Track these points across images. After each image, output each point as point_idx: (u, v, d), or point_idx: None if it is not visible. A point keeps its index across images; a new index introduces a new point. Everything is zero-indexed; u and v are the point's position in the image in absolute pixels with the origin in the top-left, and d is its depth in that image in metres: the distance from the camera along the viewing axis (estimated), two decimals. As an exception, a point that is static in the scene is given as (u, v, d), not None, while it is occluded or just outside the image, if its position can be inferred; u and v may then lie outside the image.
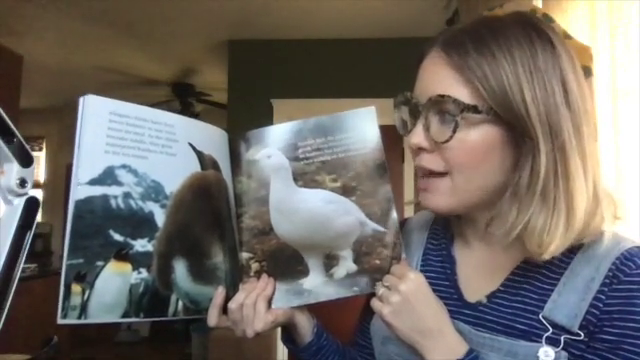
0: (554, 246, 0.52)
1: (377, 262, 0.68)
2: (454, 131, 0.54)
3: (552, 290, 0.55)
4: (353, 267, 0.68)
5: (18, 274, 0.56)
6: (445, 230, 0.69)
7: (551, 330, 0.53)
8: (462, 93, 0.53)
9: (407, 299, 0.59)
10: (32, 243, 0.58)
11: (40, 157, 5.04)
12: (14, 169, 0.57)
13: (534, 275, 0.57)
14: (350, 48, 3.13)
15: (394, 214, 0.69)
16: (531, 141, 0.52)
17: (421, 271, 0.67)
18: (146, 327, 4.67)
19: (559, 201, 0.52)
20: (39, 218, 0.61)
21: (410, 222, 0.77)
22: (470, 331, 0.59)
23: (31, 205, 0.58)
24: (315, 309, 0.73)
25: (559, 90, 0.52)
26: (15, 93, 3.14)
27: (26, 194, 0.58)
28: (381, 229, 0.68)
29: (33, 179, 0.60)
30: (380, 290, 0.62)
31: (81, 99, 0.60)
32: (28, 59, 3.24)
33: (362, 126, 0.70)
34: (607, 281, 0.52)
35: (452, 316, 0.61)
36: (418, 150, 0.59)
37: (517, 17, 0.56)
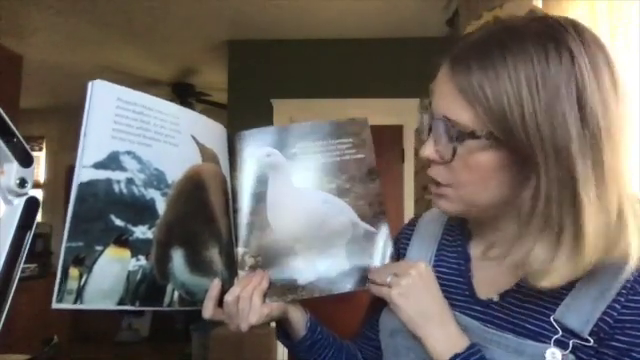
0: (557, 275, 0.50)
1: (368, 260, 0.72)
2: (453, 154, 0.54)
3: (566, 294, 0.55)
4: (345, 265, 0.72)
5: (18, 274, 0.56)
6: (462, 227, 0.70)
7: (561, 333, 0.53)
8: (463, 117, 0.53)
9: (416, 282, 0.61)
10: (32, 243, 0.58)
11: (40, 157, 5.03)
12: (14, 169, 0.57)
13: None
14: (350, 48, 3.12)
15: (384, 216, 0.73)
16: (535, 165, 0.50)
17: (434, 266, 0.69)
18: (146, 327, 4.67)
19: (565, 229, 0.50)
20: (39, 218, 0.60)
21: (425, 217, 0.78)
22: (478, 327, 0.60)
23: (31, 205, 0.58)
24: (314, 304, 0.74)
25: (571, 109, 0.48)
26: (15, 93, 3.14)
27: (26, 194, 0.58)
28: (372, 229, 0.73)
29: (33, 179, 0.60)
30: (389, 278, 0.64)
31: (90, 84, 0.60)
32: (28, 59, 3.24)
33: (356, 134, 0.75)
34: (624, 291, 0.52)
35: (462, 312, 0.62)
36: (428, 160, 0.60)
37: (537, 25, 0.52)
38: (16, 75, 3.17)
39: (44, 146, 5.10)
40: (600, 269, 0.53)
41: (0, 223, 0.57)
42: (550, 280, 0.51)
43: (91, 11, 2.77)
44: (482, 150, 0.53)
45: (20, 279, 0.56)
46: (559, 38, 0.50)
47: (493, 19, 0.57)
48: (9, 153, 0.56)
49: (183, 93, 4.22)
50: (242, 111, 3.10)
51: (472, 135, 0.52)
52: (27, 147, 0.58)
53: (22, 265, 0.57)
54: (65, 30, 3.03)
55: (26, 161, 0.58)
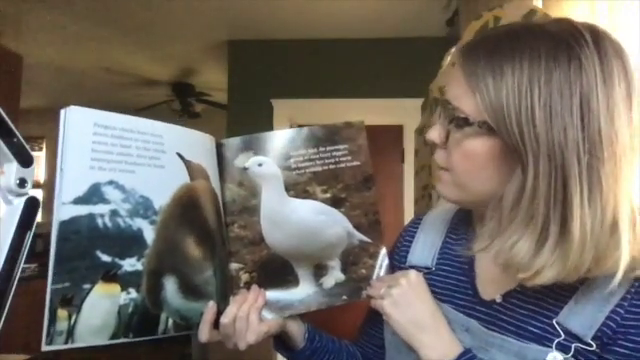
0: (549, 271, 0.50)
1: (363, 271, 0.71)
2: (447, 137, 0.57)
3: (570, 297, 0.54)
4: (341, 276, 0.71)
5: (18, 274, 0.56)
6: (466, 226, 0.69)
7: (563, 336, 0.53)
8: (463, 103, 0.54)
9: (407, 291, 0.61)
10: (32, 243, 0.57)
11: (40, 157, 5.03)
12: (14, 169, 0.56)
13: None
14: (350, 48, 3.12)
15: (380, 226, 0.72)
16: (524, 160, 0.50)
17: (437, 264, 0.69)
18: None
19: (551, 227, 0.50)
20: (39, 218, 0.60)
21: (430, 214, 0.77)
22: (480, 329, 0.60)
23: (31, 205, 0.58)
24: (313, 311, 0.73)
25: (572, 112, 0.48)
26: (15, 93, 3.14)
27: (26, 194, 0.57)
28: (367, 240, 0.72)
29: (33, 179, 0.59)
30: (382, 290, 0.64)
31: (62, 111, 0.57)
32: (28, 59, 3.23)
33: (352, 138, 0.72)
34: (628, 296, 0.52)
35: (465, 312, 0.62)
36: (433, 144, 0.61)
37: (555, 27, 0.52)
38: (16, 75, 3.17)
39: (44, 146, 5.10)
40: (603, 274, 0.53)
41: (0, 223, 0.57)
42: (542, 276, 0.50)
43: (91, 11, 2.76)
44: (475, 137, 0.54)
45: (20, 279, 0.56)
46: (572, 43, 0.50)
47: (493, 19, 0.58)
48: (9, 153, 0.56)
49: (183, 93, 4.21)
50: (242, 111, 3.10)
51: (466, 121, 0.54)
52: (27, 147, 0.58)
53: (22, 265, 0.56)
54: (65, 30, 3.03)
55: (26, 161, 0.58)
